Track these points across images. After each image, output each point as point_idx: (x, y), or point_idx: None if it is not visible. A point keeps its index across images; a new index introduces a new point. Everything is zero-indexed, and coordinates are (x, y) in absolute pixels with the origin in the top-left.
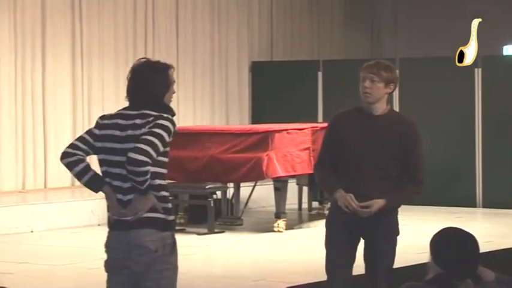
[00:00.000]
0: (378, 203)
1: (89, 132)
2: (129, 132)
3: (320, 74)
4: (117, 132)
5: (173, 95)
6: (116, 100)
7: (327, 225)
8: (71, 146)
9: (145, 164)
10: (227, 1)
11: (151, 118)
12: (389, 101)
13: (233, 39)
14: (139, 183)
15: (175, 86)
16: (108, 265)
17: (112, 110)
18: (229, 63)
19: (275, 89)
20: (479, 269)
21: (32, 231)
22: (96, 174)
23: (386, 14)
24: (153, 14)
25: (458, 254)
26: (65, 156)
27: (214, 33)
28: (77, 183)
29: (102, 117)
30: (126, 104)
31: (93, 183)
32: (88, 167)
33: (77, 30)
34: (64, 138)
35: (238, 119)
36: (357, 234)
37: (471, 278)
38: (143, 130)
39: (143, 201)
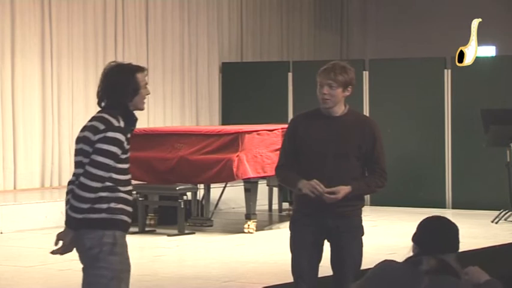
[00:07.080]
0: (344, 189)
1: None
2: (86, 133)
3: (290, 75)
4: (80, 134)
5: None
6: (85, 100)
7: (291, 228)
8: None
9: (96, 190)
10: (197, 2)
11: (102, 128)
12: (359, 102)
13: (203, 40)
14: (77, 209)
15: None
16: None
17: (81, 110)
18: (199, 64)
19: (245, 90)
20: (470, 268)
21: (1, 233)
22: None
23: (355, 15)
24: (123, 13)
25: (433, 233)
26: None
27: (184, 34)
28: (47, 184)
29: None
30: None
31: None
32: None
33: (47, 29)
34: (33, 139)
35: (209, 120)
36: (322, 236)
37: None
38: (97, 137)
39: (64, 234)
